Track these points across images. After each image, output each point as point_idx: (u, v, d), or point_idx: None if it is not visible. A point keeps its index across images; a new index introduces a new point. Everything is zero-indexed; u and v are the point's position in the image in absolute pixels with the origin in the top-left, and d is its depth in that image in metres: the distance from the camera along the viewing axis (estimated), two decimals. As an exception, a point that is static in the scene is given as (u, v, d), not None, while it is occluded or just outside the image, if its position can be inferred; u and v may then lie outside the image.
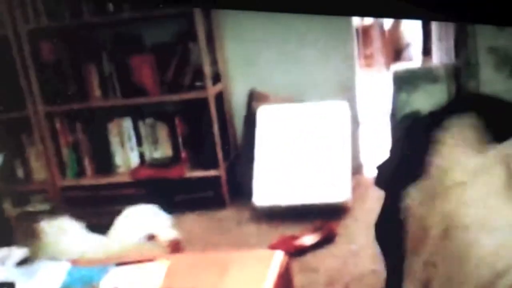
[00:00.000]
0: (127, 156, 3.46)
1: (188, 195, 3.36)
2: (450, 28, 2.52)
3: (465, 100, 2.26)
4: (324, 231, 2.87)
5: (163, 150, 3.45)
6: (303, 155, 3.18)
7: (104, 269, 1.79)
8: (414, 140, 2.17)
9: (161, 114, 3.45)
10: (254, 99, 3.38)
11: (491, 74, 2.23)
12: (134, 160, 3.47)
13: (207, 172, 3.35)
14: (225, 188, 3.33)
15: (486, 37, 2.24)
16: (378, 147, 3.37)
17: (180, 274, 1.78)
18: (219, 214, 3.27)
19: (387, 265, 2.03)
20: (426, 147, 2.09)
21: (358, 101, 3.44)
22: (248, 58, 3.42)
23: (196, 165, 3.39)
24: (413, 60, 4.19)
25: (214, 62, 3.38)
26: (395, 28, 4.43)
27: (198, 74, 3.31)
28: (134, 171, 3.44)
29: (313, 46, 3.34)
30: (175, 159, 3.42)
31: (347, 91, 3.37)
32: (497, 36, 2.24)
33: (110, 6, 3.27)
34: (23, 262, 1.89)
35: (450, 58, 2.45)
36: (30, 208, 3.39)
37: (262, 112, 3.30)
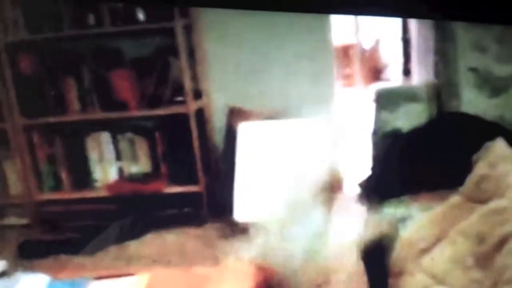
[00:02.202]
0: (105, 171, 3.42)
1: (167, 211, 3.33)
2: (430, 48, 2.55)
3: (446, 119, 2.28)
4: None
5: (142, 165, 3.41)
6: (283, 172, 3.17)
7: (83, 283, 1.76)
8: (395, 157, 2.18)
9: (141, 129, 3.42)
10: (235, 115, 3.37)
11: (472, 94, 2.26)
12: (113, 175, 3.43)
13: (187, 187, 3.32)
14: (205, 204, 3.30)
15: (467, 57, 2.27)
16: (358, 164, 3.38)
17: (161, 289, 1.76)
18: (199, 230, 3.23)
19: (371, 282, 2.03)
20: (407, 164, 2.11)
21: (338, 119, 3.45)
22: (230, 74, 3.41)
23: (176, 181, 3.36)
24: (393, 80, 4.23)
25: (195, 78, 3.37)
26: (374, 48, 4.47)
27: (179, 89, 3.30)
28: (112, 186, 3.39)
29: (294, 65, 3.35)
30: (154, 175, 3.39)
31: (327, 109, 3.37)
32: (477, 57, 2.26)
33: (91, 19, 3.25)
34: (2, 274, 1.85)
35: (431, 78, 2.48)
36: (6, 222, 3.33)
37: (243, 129, 3.29)
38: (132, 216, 3.32)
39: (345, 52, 4.26)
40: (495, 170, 1.83)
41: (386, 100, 2.41)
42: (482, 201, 1.78)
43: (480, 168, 1.88)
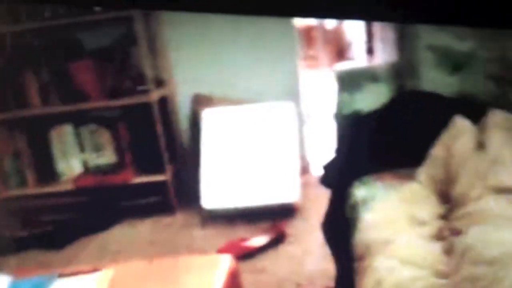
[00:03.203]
0: (70, 164, 3.38)
1: (134, 201, 3.31)
2: (391, 28, 2.54)
3: (406, 98, 2.28)
4: (274, 232, 2.86)
5: (107, 157, 3.38)
6: (250, 157, 3.16)
7: (47, 281, 1.74)
8: (357, 139, 2.18)
9: (104, 120, 3.38)
10: (198, 102, 3.36)
11: (432, 72, 2.26)
12: (78, 168, 3.39)
13: (153, 177, 3.30)
14: (172, 193, 3.29)
15: (426, 35, 2.27)
16: (324, 146, 3.39)
17: (125, 283, 1.75)
18: (167, 219, 3.22)
19: (338, 264, 2.03)
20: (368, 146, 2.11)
21: (303, 102, 3.45)
22: (192, 61, 3.39)
23: (142, 171, 3.33)
24: (356, 59, 4.23)
25: (156, 66, 3.34)
26: (337, 28, 4.46)
27: (140, 78, 3.27)
28: (77, 179, 3.36)
29: (256, 48, 3.33)
30: (119, 165, 3.36)
31: (292, 91, 3.37)
32: (436, 35, 2.27)
33: (47, 11, 3.19)
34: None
35: (392, 57, 2.48)
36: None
37: (207, 115, 3.27)
38: (100, 208, 3.30)
39: (307, 33, 4.24)
40: (449, 151, 1.84)
41: (347, 81, 2.41)
42: (437, 185, 1.80)
43: (434, 150, 1.90)
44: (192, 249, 2.87)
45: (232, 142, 3.21)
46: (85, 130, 3.37)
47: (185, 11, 1.11)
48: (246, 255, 2.71)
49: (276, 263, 2.67)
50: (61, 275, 1.77)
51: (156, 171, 3.29)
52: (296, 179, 3.11)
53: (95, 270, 1.81)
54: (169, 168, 3.29)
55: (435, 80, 2.26)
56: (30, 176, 3.39)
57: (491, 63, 2.19)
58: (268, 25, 3.29)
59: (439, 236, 1.57)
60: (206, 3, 1.09)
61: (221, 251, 2.72)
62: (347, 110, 2.32)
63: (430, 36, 2.27)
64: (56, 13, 3.19)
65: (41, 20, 3.21)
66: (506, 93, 2.15)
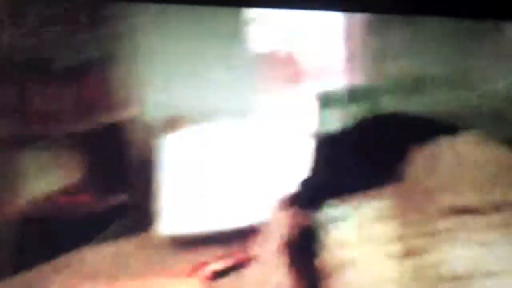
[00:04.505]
0: (31, 186, 3.31)
1: (94, 224, 3.25)
2: (358, 50, 2.59)
3: (373, 120, 2.31)
4: (237, 255, 2.83)
5: (69, 177, 3.32)
6: (212, 179, 3.14)
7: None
8: (326, 159, 2.19)
9: (67, 141, 3.33)
10: (164, 123, 3.33)
11: (397, 94, 2.29)
12: (39, 190, 3.32)
13: (116, 199, 3.24)
14: (134, 216, 3.24)
15: (391, 58, 2.31)
16: (289, 167, 3.39)
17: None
18: (127, 243, 3.16)
19: (304, 284, 2.02)
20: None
21: (268, 122, 3.45)
22: (160, 82, 3.37)
23: (104, 193, 3.28)
24: (320, 81, 4.27)
25: (124, 87, 3.32)
26: (298, 50, 4.50)
27: (106, 99, 3.24)
28: (39, 201, 3.28)
29: (220, 68, 3.34)
30: (81, 187, 3.30)
31: (257, 112, 3.37)
32: (402, 55, 2.31)
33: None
34: None
35: (359, 79, 2.52)
36: None
37: (171, 136, 3.24)
38: (59, 231, 3.23)
39: (269, 55, 4.27)
40: (411, 172, 1.87)
41: (315, 102, 2.45)
42: (401, 205, 1.82)
43: (398, 170, 1.93)
44: (154, 274, 2.82)
45: (193, 163, 3.18)
46: (46, 151, 3.31)
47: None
48: (209, 279, 2.68)
49: (240, 286, 2.63)
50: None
51: (118, 193, 3.24)
52: (260, 200, 3.09)
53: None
54: (132, 190, 3.24)
55: (400, 102, 2.29)
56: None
57: (451, 85, 2.24)
58: (228, 46, 3.31)
59: (405, 255, 1.58)
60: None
61: (184, 275, 2.68)
62: (316, 131, 2.35)
63: (395, 59, 2.31)
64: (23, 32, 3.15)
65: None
66: (471, 112, 2.19)
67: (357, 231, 1.73)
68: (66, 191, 3.33)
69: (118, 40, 3.29)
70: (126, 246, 3.16)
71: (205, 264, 2.80)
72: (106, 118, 3.22)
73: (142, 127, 3.43)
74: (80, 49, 3.33)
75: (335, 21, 3.90)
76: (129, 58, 3.36)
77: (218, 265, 2.79)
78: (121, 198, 3.27)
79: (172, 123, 3.37)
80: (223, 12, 3.39)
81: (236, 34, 3.36)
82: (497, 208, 1.61)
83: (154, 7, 3.27)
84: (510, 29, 2.23)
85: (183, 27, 3.50)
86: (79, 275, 2.89)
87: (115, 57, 3.24)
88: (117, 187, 3.27)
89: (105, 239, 3.22)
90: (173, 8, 3.44)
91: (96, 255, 3.10)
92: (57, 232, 3.24)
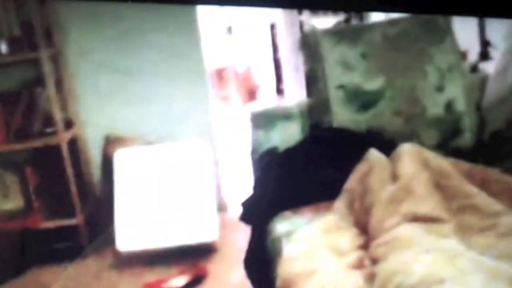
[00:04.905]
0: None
1: (44, 246, 3.18)
2: (301, 68, 2.62)
3: (318, 135, 2.34)
4: (193, 272, 2.83)
5: (14, 202, 3.25)
6: (166, 197, 3.13)
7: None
8: (274, 175, 2.21)
9: (10, 164, 3.26)
10: (110, 143, 3.30)
11: (342, 110, 2.33)
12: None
13: (64, 221, 3.19)
14: (84, 237, 3.19)
15: (335, 75, 2.35)
16: (240, 184, 3.40)
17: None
18: (79, 265, 3.11)
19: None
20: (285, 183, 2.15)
21: (217, 140, 3.46)
22: (102, 101, 3.34)
23: (52, 215, 3.22)
24: (267, 100, 4.32)
25: (65, 107, 3.28)
26: (247, 70, 4.55)
27: (48, 120, 3.19)
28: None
29: (170, 88, 3.34)
30: (28, 210, 3.23)
31: (205, 130, 3.38)
32: (345, 74, 2.35)
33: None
34: None
35: (303, 97, 2.55)
36: None
37: (120, 156, 3.21)
38: (7, 255, 3.15)
39: (219, 74, 4.30)
40: (363, 183, 1.90)
41: (261, 120, 2.45)
42: (355, 216, 1.85)
43: (349, 183, 1.96)
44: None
45: (146, 182, 3.16)
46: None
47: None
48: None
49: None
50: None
51: (66, 215, 3.19)
52: (213, 218, 3.09)
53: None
54: (80, 212, 3.19)
55: (345, 117, 2.33)
56: None
57: (399, 100, 2.28)
58: (181, 64, 3.32)
59: (360, 265, 1.60)
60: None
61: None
62: (263, 148, 2.35)
63: (339, 75, 2.35)
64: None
65: None
66: (414, 127, 2.25)
67: (312, 243, 1.73)
68: (12, 216, 3.26)
69: (51, 63, 3.26)
70: (79, 267, 3.11)
71: (160, 281, 2.78)
72: (47, 140, 3.17)
73: (83, 147, 3.42)
74: (13, 73, 3.28)
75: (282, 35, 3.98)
76: (66, 79, 3.33)
77: (174, 283, 2.77)
78: (68, 220, 3.23)
79: (116, 143, 3.33)
80: (169, 29, 3.39)
81: (185, 51, 3.37)
82: (450, 216, 1.65)
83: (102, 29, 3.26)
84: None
85: (126, 43, 3.49)
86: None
87: (53, 79, 3.20)
88: (63, 210, 3.22)
89: (52, 263, 3.16)
90: (116, 24, 3.43)
91: (42, 280, 3.03)
92: (1, 257, 3.16)
